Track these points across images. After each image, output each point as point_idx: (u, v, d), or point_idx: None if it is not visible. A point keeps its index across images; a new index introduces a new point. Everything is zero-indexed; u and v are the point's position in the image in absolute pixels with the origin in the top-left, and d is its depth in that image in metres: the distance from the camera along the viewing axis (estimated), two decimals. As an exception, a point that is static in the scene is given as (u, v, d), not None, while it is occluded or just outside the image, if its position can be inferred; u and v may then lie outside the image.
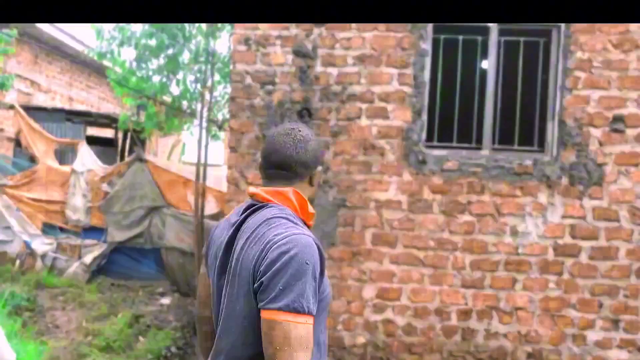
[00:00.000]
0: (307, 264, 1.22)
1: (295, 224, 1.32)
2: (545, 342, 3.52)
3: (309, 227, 1.40)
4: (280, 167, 1.40)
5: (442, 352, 3.57)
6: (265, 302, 1.20)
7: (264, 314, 1.20)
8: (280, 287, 1.19)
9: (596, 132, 3.50)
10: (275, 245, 1.23)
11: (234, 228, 1.38)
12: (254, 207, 1.38)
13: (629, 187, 3.47)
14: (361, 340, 3.61)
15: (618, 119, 3.48)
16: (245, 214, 1.38)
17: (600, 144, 3.50)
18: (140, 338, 4.71)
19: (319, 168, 1.46)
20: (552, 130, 3.60)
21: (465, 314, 3.58)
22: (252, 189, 1.43)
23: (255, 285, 1.24)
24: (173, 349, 4.56)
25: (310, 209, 1.42)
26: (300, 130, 1.42)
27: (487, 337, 3.56)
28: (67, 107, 9.09)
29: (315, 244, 1.27)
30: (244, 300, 1.28)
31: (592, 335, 3.49)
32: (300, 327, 1.19)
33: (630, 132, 3.47)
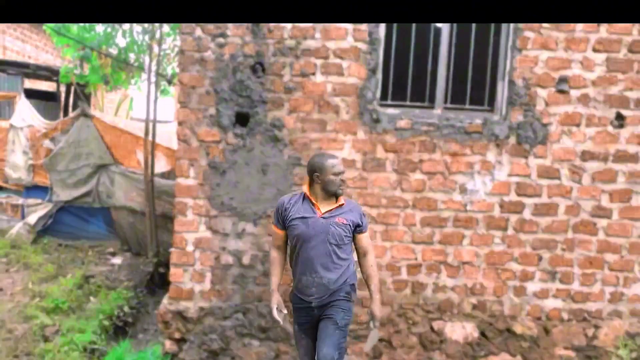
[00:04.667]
0: (276, 206, 2.73)
1: (294, 195, 2.73)
2: (489, 294, 3.72)
3: (313, 202, 2.65)
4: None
5: (392, 305, 3.71)
6: None
7: None
8: None
9: (542, 93, 3.60)
10: None
11: None
12: None
13: (570, 147, 3.63)
14: (315, 295, 3.69)
15: (563, 80, 3.59)
16: None
17: (546, 104, 3.61)
18: (91, 298, 4.63)
19: (315, 174, 2.62)
20: (502, 90, 3.67)
21: (414, 269, 3.71)
22: None
23: None
24: (125, 309, 4.52)
25: (307, 191, 2.68)
26: (311, 157, 2.75)
27: (435, 290, 3.73)
28: (0, 56, 8.45)
29: (283, 201, 2.71)
30: None
31: (531, 287, 3.72)
32: (272, 230, 2.82)
33: (574, 93, 3.59)
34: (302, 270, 2.63)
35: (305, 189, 2.68)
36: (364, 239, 2.71)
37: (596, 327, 3.71)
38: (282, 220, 2.65)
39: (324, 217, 2.60)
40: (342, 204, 2.66)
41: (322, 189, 2.61)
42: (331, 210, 2.62)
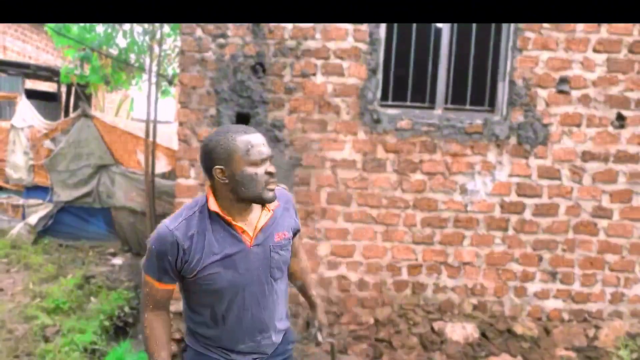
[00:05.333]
0: (153, 248, 1.56)
1: (184, 217, 1.58)
2: (490, 295, 3.72)
3: (228, 222, 1.59)
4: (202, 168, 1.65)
5: (393, 305, 3.71)
6: None
7: None
8: None
9: (543, 93, 3.60)
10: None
11: None
12: None
13: (571, 147, 3.63)
14: (315, 296, 3.69)
15: (564, 80, 3.59)
16: None
17: (547, 104, 3.61)
18: (92, 299, 4.62)
19: (217, 168, 1.54)
20: (502, 91, 3.67)
21: (415, 269, 3.71)
22: None
23: None
24: (126, 309, 4.51)
25: (212, 204, 1.59)
26: (205, 139, 1.60)
27: (435, 290, 3.72)
28: (1, 57, 8.45)
29: (171, 234, 1.54)
30: None
31: (532, 287, 3.71)
32: (146, 282, 1.62)
33: (575, 94, 3.59)
34: (237, 338, 1.66)
35: (208, 199, 1.58)
36: (297, 238, 1.85)
37: (597, 327, 3.71)
38: (178, 267, 1.55)
39: (257, 244, 1.60)
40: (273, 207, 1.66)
41: (235, 196, 1.54)
42: (264, 226, 1.62)
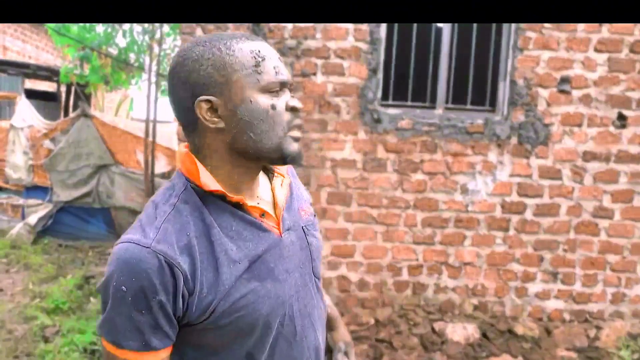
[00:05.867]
0: (123, 289, 0.82)
1: (151, 216, 0.88)
2: (491, 295, 3.71)
3: (239, 204, 0.93)
4: (173, 110, 0.94)
5: (393, 306, 3.70)
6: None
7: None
8: (102, 308, 0.88)
9: (544, 93, 3.58)
10: (109, 258, 0.87)
11: None
12: None
13: (572, 147, 3.61)
14: (315, 296, 3.68)
15: (565, 80, 3.57)
16: None
17: (548, 104, 3.59)
18: (91, 299, 4.62)
19: (199, 99, 0.87)
20: (503, 90, 3.66)
21: (416, 269, 3.70)
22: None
23: None
24: (126, 309, 4.50)
25: (203, 175, 0.90)
26: (178, 53, 0.91)
27: (436, 291, 3.71)
28: (1, 57, 8.44)
29: (154, 253, 0.82)
30: None
31: (533, 287, 3.70)
32: (112, 358, 0.85)
33: (576, 93, 3.58)
34: None
35: (192, 175, 0.91)
36: None
37: (598, 328, 3.70)
38: (179, 311, 0.85)
39: (288, 229, 0.99)
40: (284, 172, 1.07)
41: (237, 154, 0.90)
42: (286, 199, 1.03)
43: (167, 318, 0.84)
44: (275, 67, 0.89)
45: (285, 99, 0.91)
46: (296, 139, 0.93)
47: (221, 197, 0.91)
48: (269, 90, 0.88)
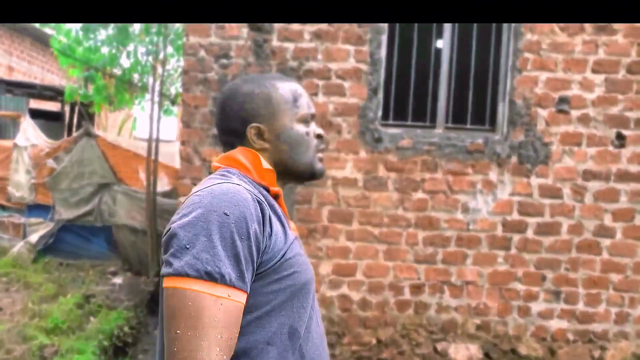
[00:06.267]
0: (225, 214, 0.89)
1: (227, 177, 1.02)
2: (493, 314, 3.69)
3: (274, 195, 1.09)
4: (221, 130, 1.15)
5: (395, 325, 3.67)
6: (164, 264, 0.90)
7: (165, 281, 0.89)
8: (176, 247, 0.88)
9: (543, 112, 3.62)
10: (188, 203, 0.94)
11: None
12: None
13: (572, 166, 3.63)
14: (316, 315, 3.66)
15: (563, 100, 3.62)
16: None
17: (547, 123, 3.63)
18: (91, 318, 4.59)
19: (253, 126, 1.10)
20: (502, 110, 3.69)
21: (418, 289, 3.68)
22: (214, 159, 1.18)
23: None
24: (126, 329, 4.47)
25: (265, 164, 1.08)
26: (231, 87, 1.15)
27: (438, 310, 3.69)
28: (6, 77, 8.55)
29: (253, 195, 0.95)
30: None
31: (536, 307, 3.68)
32: (204, 299, 0.84)
33: (575, 113, 3.62)
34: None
35: (242, 158, 1.09)
36: None
37: (602, 348, 3.66)
38: (264, 250, 0.95)
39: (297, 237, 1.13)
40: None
41: (275, 168, 1.11)
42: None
43: (257, 253, 0.92)
44: (307, 102, 1.15)
45: (313, 127, 1.16)
46: (321, 159, 1.17)
47: (269, 191, 1.08)
48: (303, 120, 1.13)
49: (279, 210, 1.08)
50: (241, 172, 1.06)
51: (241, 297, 0.89)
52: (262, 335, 0.94)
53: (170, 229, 0.91)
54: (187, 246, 0.87)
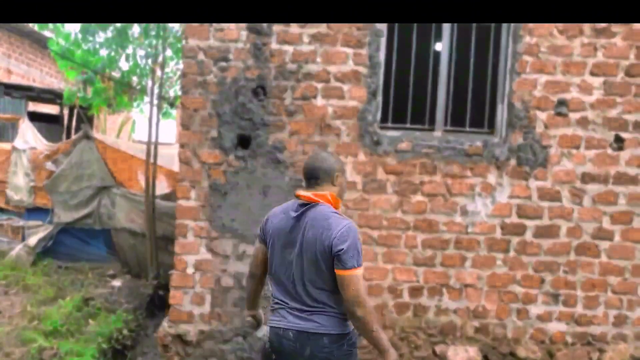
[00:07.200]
0: (358, 239, 2.06)
1: (341, 215, 2.11)
2: (492, 317, 3.69)
3: None
4: (315, 177, 2.17)
5: (394, 328, 3.67)
6: (344, 264, 2.00)
7: (345, 272, 1.99)
8: (351, 255, 2.00)
9: (542, 115, 3.63)
10: (343, 231, 2.02)
11: (294, 218, 2.12)
12: (307, 205, 2.12)
13: (570, 169, 3.64)
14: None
15: (562, 102, 3.62)
16: (302, 209, 2.12)
17: (546, 126, 3.63)
18: (90, 321, 4.58)
19: (337, 174, 2.17)
20: (501, 113, 3.70)
21: (416, 291, 3.68)
22: (302, 192, 2.14)
23: (334, 254, 2.00)
24: (125, 332, 4.46)
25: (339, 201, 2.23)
26: (323, 153, 2.27)
27: (437, 313, 3.69)
28: (5, 80, 8.54)
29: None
30: (317, 264, 2.05)
31: (534, 309, 3.68)
32: (360, 276, 2.02)
33: (573, 116, 3.62)
34: None
35: (330, 199, 2.15)
36: None
37: (601, 350, 3.66)
38: None
39: None
40: None
41: (338, 194, 2.22)
42: None
43: None
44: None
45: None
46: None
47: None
48: (344, 173, 2.28)
49: None
50: (331, 207, 2.15)
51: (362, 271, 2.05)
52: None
53: (347, 242, 2.03)
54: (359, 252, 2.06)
